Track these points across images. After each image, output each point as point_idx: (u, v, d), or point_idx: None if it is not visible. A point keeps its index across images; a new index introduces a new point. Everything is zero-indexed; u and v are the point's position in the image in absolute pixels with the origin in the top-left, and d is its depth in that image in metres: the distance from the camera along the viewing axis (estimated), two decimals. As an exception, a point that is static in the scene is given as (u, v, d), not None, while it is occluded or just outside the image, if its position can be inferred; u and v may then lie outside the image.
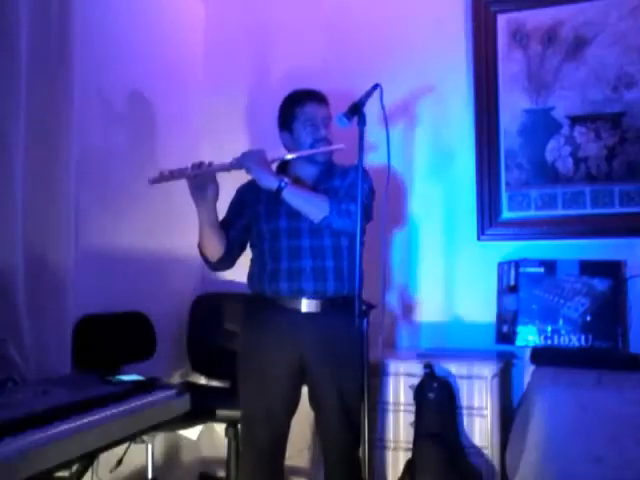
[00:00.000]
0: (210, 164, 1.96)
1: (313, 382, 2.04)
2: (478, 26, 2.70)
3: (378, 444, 2.37)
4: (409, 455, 2.30)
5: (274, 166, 2.07)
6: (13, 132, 1.86)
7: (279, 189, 1.91)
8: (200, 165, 1.95)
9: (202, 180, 1.96)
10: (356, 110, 1.82)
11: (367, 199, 2.00)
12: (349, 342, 1.90)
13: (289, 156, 2.04)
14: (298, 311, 1.99)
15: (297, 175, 2.07)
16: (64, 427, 1.38)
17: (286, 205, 1.95)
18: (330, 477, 2.07)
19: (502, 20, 2.69)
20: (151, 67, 2.72)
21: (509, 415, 2.47)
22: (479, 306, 2.62)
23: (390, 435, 2.38)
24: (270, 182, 1.93)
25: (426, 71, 2.77)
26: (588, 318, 2.36)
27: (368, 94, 1.85)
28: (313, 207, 1.93)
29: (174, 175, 1.94)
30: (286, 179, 1.93)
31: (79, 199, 2.13)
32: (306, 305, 1.99)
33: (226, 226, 2.10)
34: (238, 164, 1.96)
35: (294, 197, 1.93)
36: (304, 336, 1.98)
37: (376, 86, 1.85)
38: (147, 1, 2.73)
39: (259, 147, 2.02)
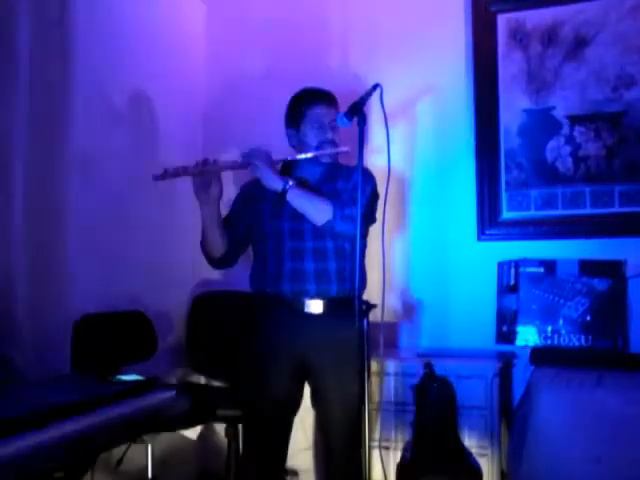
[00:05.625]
0: (215, 162, 1.96)
1: (315, 382, 2.04)
2: (478, 26, 2.70)
3: (378, 444, 2.37)
4: (409, 455, 2.30)
5: (278, 165, 2.06)
6: (13, 132, 1.86)
7: (284, 191, 1.91)
8: (205, 162, 1.95)
9: (206, 178, 1.96)
10: (356, 110, 1.81)
11: (369, 202, 1.99)
12: (351, 342, 1.89)
13: (293, 157, 2.03)
14: (301, 311, 1.99)
15: (301, 175, 2.07)
16: (64, 427, 1.38)
17: (289, 206, 1.95)
18: (332, 477, 2.07)
19: (502, 20, 2.69)
20: (152, 67, 2.72)
21: (509, 415, 2.47)
22: (479, 306, 2.62)
23: (390, 435, 2.38)
24: (275, 183, 1.93)
25: (426, 71, 2.76)
26: (588, 318, 2.36)
27: (368, 94, 1.84)
28: (316, 211, 1.93)
29: (178, 172, 1.94)
30: (291, 181, 1.93)
31: (79, 199, 2.13)
32: (309, 306, 1.99)
33: (228, 224, 2.10)
34: (243, 163, 1.96)
35: (298, 200, 1.93)
36: (307, 336, 1.98)
37: (376, 86, 1.84)
38: (148, 1, 2.73)
39: (261, 147, 2.01)
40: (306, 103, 2.05)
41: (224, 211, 2.12)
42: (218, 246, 2.07)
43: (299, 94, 2.10)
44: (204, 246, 2.09)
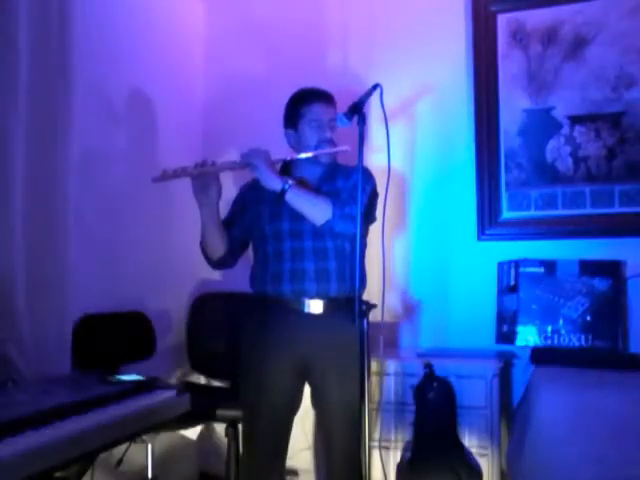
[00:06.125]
0: (213, 163, 1.96)
1: (316, 381, 2.03)
2: (478, 26, 2.70)
3: (378, 444, 2.37)
4: (409, 455, 2.31)
5: (277, 166, 2.06)
6: (13, 132, 1.86)
7: (283, 191, 1.91)
8: (203, 164, 1.95)
9: (205, 179, 1.96)
10: (356, 110, 1.81)
11: (369, 201, 2.00)
12: (352, 342, 1.89)
13: (292, 156, 2.03)
14: (301, 312, 1.99)
15: (301, 175, 2.07)
16: (64, 427, 1.38)
17: (289, 206, 1.95)
18: (332, 476, 2.07)
19: (502, 20, 2.69)
20: (151, 67, 2.72)
21: (509, 415, 2.47)
22: (479, 306, 2.62)
23: (390, 435, 2.38)
24: (274, 183, 1.92)
25: (426, 71, 2.77)
26: (588, 318, 2.36)
27: (368, 94, 1.85)
28: (316, 211, 1.93)
29: (177, 174, 1.93)
30: (290, 181, 1.93)
31: (79, 199, 2.13)
32: (309, 306, 1.99)
33: (228, 225, 2.10)
34: (242, 163, 1.95)
35: (297, 200, 1.93)
36: (307, 336, 1.98)
37: (376, 86, 1.84)
38: (147, 1, 2.73)
39: (260, 147, 2.01)
40: (304, 103, 2.05)
41: (223, 212, 2.12)
42: (218, 247, 2.07)
43: (297, 94, 2.10)
44: (204, 247, 2.10)
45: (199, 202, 2.00)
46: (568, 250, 2.52)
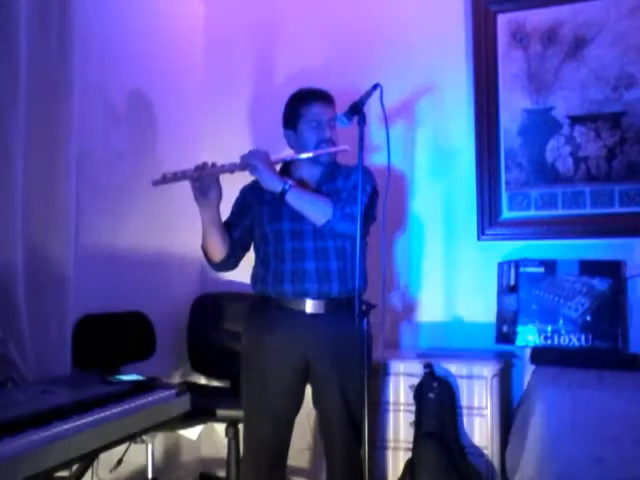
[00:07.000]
0: (213, 165, 1.95)
1: (317, 382, 2.04)
2: (478, 26, 2.70)
3: (378, 444, 2.37)
4: (409, 455, 2.31)
5: (277, 166, 2.06)
6: (13, 132, 1.86)
7: (283, 191, 1.91)
8: (203, 166, 1.94)
9: (205, 182, 1.95)
10: (356, 110, 1.82)
11: (369, 200, 2.00)
12: (353, 342, 1.89)
13: (292, 157, 2.03)
14: (303, 312, 1.99)
15: (301, 176, 2.07)
16: (64, 427, 1.38)
17: (289, 207, 1.95)
18: (332, 476, 2.07)
19: (502, 20, 2.69)
20: (151, 67, 2.72)
21: (509, 415, 2.47)
22: (479, 306, 2.62)
23: (390, 435, 2.38)
24: (274, 184, 1.92)
25: (426, 71, 2.77)
26: (588, 318, 2.36)
27: (368, 94, 1.85)
28: (316, 211, 1.93)
29: (177, 177, 1.92)
30: (290, 181, 1.93)
31: (79, 199, 2.13)
32: (310, 306, 1.99)
33: (229, 227, 2.10)
34: (242, 165, 1.95)
35: (297, 200, 1.93)
36: (309, 336, 1.99)
37: (376, 86, 1.85)
38: (147, 1, 2.73)
39: (261, 148, 2.01)
40: (303, 103, 2.05)
41: (224, 214, 2.12)
42: (219, 249, 2.07)
43: (295, 94, 2.10)
44: (205, 249, 2.09)
45: (200, 205, 1.99)
46: (568, 250, 2.52)
